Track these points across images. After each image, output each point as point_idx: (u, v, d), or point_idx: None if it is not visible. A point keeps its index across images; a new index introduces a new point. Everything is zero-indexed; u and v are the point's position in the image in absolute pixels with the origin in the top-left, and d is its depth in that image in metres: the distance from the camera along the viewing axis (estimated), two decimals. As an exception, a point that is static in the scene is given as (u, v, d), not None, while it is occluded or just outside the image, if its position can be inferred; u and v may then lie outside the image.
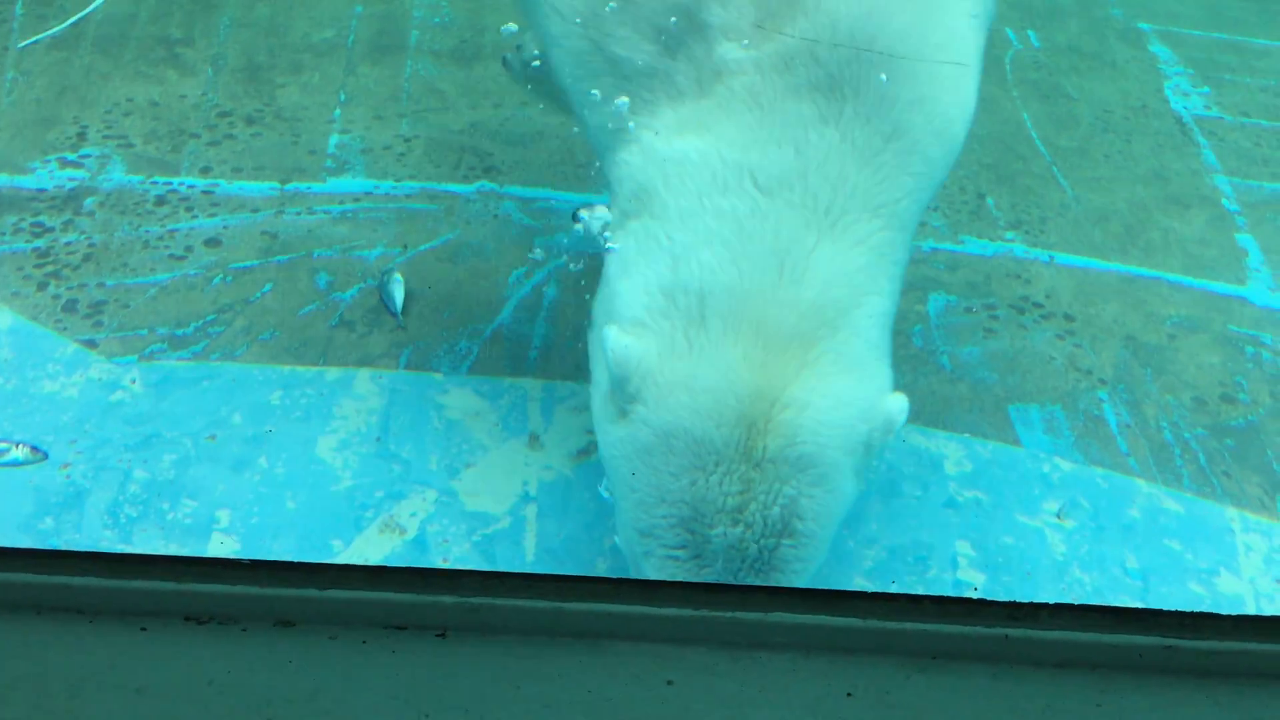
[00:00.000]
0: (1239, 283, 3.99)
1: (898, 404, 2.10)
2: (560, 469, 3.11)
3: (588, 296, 2.40)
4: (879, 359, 2.13)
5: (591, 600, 1.15)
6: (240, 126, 4.40)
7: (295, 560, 1.39)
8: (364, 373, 3.32)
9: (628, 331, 2.04)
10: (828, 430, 1.99)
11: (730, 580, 1.99)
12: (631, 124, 2.20)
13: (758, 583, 2.00)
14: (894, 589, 2.85)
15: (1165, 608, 2.82)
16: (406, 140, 4.43)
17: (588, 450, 3.16)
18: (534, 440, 3.18)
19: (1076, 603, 1.84)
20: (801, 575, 2.04)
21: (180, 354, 3.34)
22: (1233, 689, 0.97)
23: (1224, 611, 2.81)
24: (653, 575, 2.05)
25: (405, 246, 3.83)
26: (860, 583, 2.90)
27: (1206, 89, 5.21)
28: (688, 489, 1.97)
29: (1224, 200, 4.42)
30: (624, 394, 2.03)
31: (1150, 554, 2.99)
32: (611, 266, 2.22)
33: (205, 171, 4.11)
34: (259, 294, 3.58)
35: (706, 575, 2.00)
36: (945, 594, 2.83)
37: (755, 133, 2.05)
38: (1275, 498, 3.17)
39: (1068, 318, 3.76)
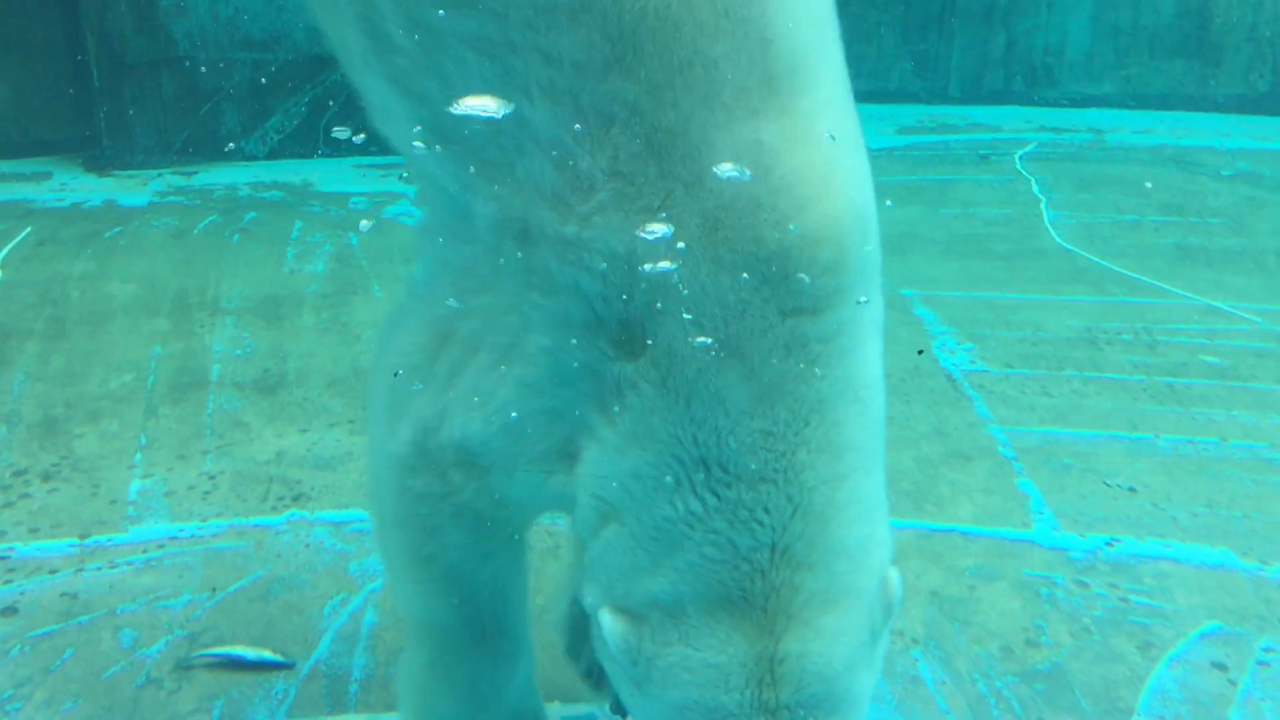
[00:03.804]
0: (1025, 527, 4.25)
1: (892, 589, 2.16)
2: (390, 808, 3.01)
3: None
4: (870, 554, 2.16)
5: None
6: (36, 484, 4.31)
7: None
8: (175, 733, 3.19)
9: (620, 617, 2.12)
10: (831, 666, 2.07)
11: None
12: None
13: None
14: None
15: None
16: (211, 477, 4.42)
17: (417, 784, 3.07)
18: (360, 781, 3.09)
19: None
20: None
21: (-27, 738, 3.15)
22: None
23: None
24: None
25: (214, 590, 3.76)
26: None
27: (970, 345, 5.67)
28: None
29: (1000, 449, 4.74)
30: (633, 674, 2.13)
31: (981, 813, 3.05)
32: (598, 571, 2.27)
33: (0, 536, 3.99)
34: (59, 661, 3.43)
35: None
36: None
37: (687, 427, 2.11)
38: (1088, 737, 3.30)
39: (874, 581, 3.91)
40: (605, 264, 2.11)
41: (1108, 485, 4.51)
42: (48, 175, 8.18)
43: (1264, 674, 3.53)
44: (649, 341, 2.12)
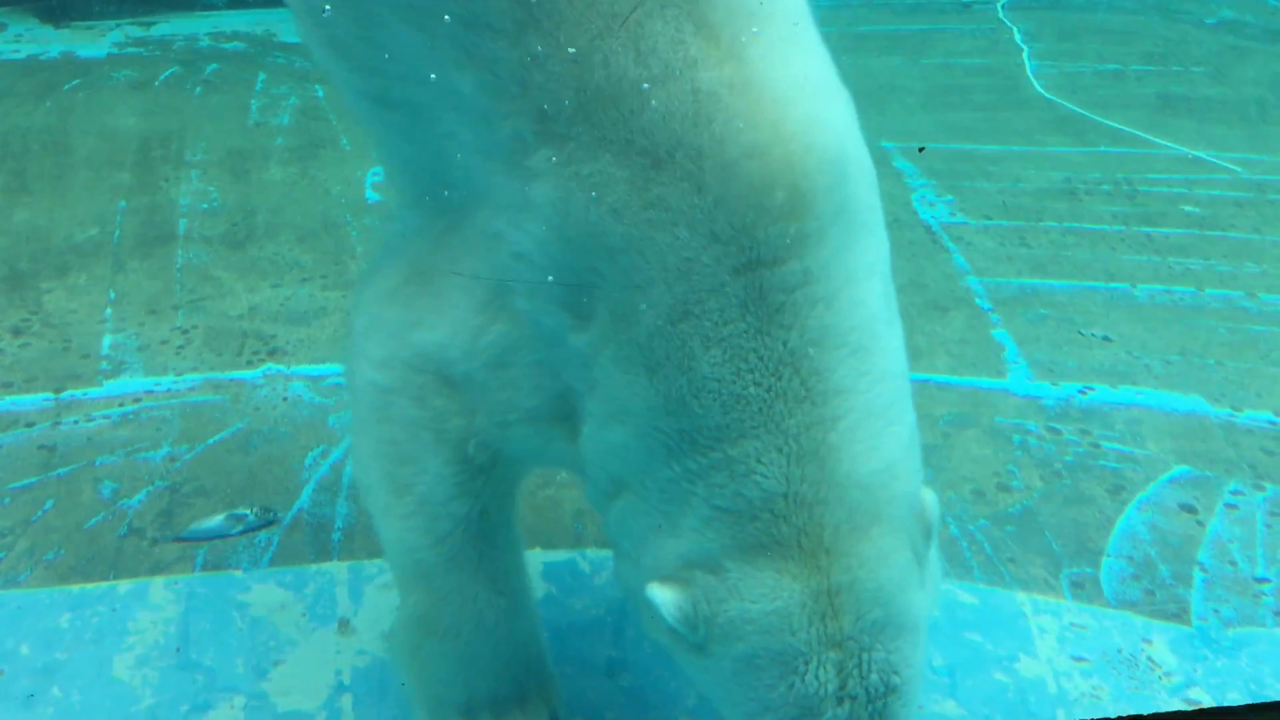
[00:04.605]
0: (1000, 376, 4.27)
1: (928, 508, 2.17)
2: (374, 652, 3.05)
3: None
4: (889, 485, 2.12)
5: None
6: (7, 339, 4.26)
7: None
8: (158, 581, 3.21)
9: (669, 586, 2.11)
10: (884, 589, 2.07)
11: None
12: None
13: None
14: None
15: (972, 700, 2.94)
16: (184, 332, 4.37)
17: (401, 627, 3.12)
18: (344, 626, 3.13)
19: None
20: (912, 714, 2.14)
21: (-42, 588, 3.17)
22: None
23: (1028, 696, 2.95)
24: None
25: (192, 443, 3.75)
26: (686, 721, 2.93)
27: (950, 197, 5.62)
28: (788, 694, 2.06)
29: (977, 300, 4.74)
30: (694, 639, 2.12)
31: (954, 649, 3.12)
32: (622, 542, 2.28)
33: (-29, 390, 3.96)
34: (40, 513, 3.44)
35: None
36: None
37: (654, 398, 2.08)
38: (1059, 577, 3.37)
39: (851, 429, 3.94)
40: (544, 229, 2.06)
41: (1083, 335, 4.53)
42: (2, 27, 7.90)
43: (1231, 516, 3.60)
44: (598, 311, 2.08)
